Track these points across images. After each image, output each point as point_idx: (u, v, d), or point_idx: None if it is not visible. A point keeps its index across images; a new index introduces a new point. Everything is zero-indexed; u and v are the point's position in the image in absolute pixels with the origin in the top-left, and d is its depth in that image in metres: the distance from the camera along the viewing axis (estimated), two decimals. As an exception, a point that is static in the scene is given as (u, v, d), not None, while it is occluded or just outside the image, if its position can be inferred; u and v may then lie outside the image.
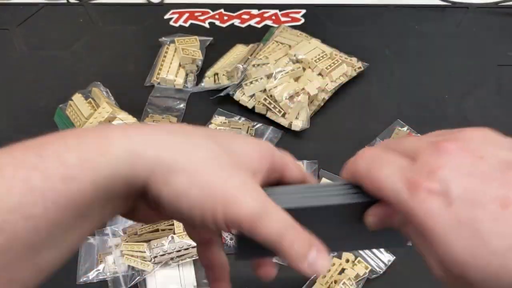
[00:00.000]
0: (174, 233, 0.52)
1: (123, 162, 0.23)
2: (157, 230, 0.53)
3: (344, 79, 0.69)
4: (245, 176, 0.26)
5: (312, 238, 0.25)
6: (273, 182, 0.30)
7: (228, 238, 0.55)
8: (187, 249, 0.52)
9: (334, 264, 0.53)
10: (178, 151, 0.25)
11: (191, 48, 0.73)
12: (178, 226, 0.53)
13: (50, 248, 0.23)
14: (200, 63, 0.73)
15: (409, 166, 0.24)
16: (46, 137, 0.24)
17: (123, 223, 0.57)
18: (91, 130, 0.25)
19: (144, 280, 0.52)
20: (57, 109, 0.67)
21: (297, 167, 0.32)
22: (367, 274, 0.52)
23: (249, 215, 0.24)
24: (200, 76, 0.73)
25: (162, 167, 0.24)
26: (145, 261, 0.52)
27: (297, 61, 0.68)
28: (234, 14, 0.83)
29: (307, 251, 0.25)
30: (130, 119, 0.63)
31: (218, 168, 0.25)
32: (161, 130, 0.26)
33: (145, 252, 0.52)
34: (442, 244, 0.22)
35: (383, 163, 0.25)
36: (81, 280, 0.53)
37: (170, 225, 0.53)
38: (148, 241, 0.53)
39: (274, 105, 0.65)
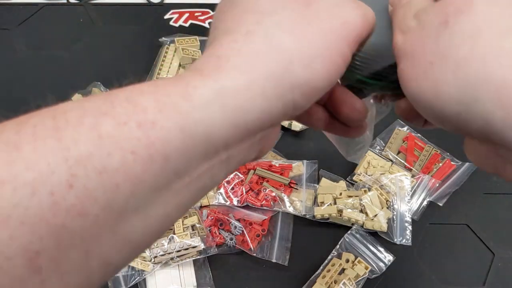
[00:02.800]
0: (174, 233, 0.52)
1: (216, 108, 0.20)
2: None
3: (344, 79, 0.69)
4: None
5: None
6: None
7: (228, 238, 0.55)
8: (187, 249, 0.52)
9: (334, 264, 0.53)
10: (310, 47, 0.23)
11: (191, 48, 0.73)
12: (178, 226, 0.53)
13: (138, 213, 0.19)
14: (199, 62, 0.73)
15: None
16: (112, 91, 0.20)
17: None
18: (167, 79, 0.21)
19: (144, 280, 0.52)
20: None
21: None
22: (367, 274, 0.52)
23: None
24: (200, 76, 0.73)
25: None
26: (145, 261, 0.52)
27: (297, 61, 0.68)
28: (234, 14, 0.83)
29: None
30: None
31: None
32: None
33: (145, 252, 0.52)
34: None
35: None
36: (81, 280, 0.53)
37: (170, 225, 0.53)
38: None
39: (274, 105, 0.65)
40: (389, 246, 0.55)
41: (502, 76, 0.20)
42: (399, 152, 0.63)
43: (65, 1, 0.86)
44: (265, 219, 0.56)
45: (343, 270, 0.53)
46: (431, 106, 0.23)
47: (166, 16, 0.82)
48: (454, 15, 0.22)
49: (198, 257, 0.52)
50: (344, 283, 0.51)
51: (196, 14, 0.83)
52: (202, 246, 0.52)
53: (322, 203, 0.57)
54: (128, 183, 0.18)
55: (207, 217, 0.56)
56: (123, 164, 0.18)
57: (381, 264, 0.53)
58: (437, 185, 0.59)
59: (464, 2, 0.22)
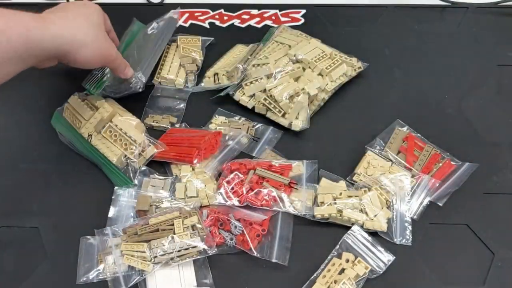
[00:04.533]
0: (174, 233, 0.53)
1: (51, 42, 0.51)
2: (157, 230, 0.53)
3: (344, 79, 0.69)
4: (107, 38, 0.59)
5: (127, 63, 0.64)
6: None
7: (228, 238, 0.55)
8: (187, 249, 0.52)
9: (334, 264, 0.53)
10: (82, 34, 0.54)
11: (192, 47, 0.73)
12: (178, 226, 0.53)
13: None
14: (200, 62, 0.73)
15: None
16: None
17: (123, 223, 0.57)
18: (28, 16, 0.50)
19: (144, 280, 0.52)
20: (55, 113, 0.67)
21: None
22: (367, 274, 0.52)
23: (115, 59, 0.60)
24: (200, 76, 0.73)
25: (75, 45, 0.53)
26: (145, 261, 0.52)
27: (297, 61, 0.68)
28: (234, 14, 0.83)
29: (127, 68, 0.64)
30: (134, 119, 0.63)
31: (101, 40, 0.57)
32: (71, 19, 0.53)
33: (145, 252, 0.52)
34: None
35: None
36: (81, 280, 0.53)
37: (170, 225, 0.53)
38: (148, 241, 0.53)
39: (274, 105, 0.65)
40: (389, 246, 0.55)
41: None
42: (399, 152, 0.63)
43: (65, 1, 0.86)
44: (265, 219, 0.56)
45: (343, 270, 0.53)
46: None
47: (166, 16, 0.82)
48: None
49: (198, 257, 0.52)
50: (344, 283, 0.51)
51: (196, 14, 0.83)
52: (202, 246, 0.52)
53: (322, 203, 0.57)
54: None
55: (207, 217, 0.56)
56: None
57: (381, 264, 0.53)
58: (437, 185, 0.59)
59: None
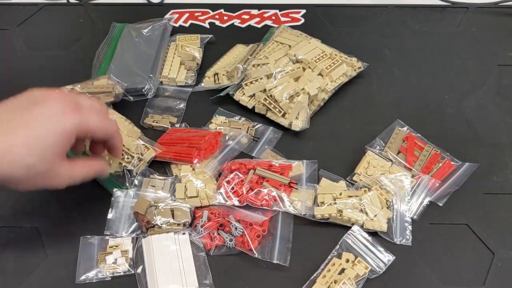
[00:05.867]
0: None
1: None
2: None
3: (344, 79, 0.69)
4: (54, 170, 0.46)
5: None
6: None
7: (227, 239, 0.55)
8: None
9: (334, 264, 0.53)
10: (9, 174, 0.44)
11: (191, 45, 0.74)
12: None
13: None
14: (199, 59, 0.73)
15: None
16: None
17: (123, 223, 0.57)
18: None
19: (146, 281, 0.52)
20: None
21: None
22: (367, 274, 0.52)
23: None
24: (200, 75, 0.73)
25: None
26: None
27: (297, 61, 0.68)
28: (234, 14, 0.83)
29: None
30: (127, 125, 0.63)
31: (40, 177, 0.46)
32: (10, 143, 0.44)
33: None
34: None
35: None
36: (80, 279, 0.53)
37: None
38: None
39: (274, 105, 0.65)
40: (389, 246, 0.55)
41: None
42: (399, 152, 0.63)
43: (65, 1, 0.86)
44: (265, 220, 0.56)
45: (343, 270, 0.53)
46: None
47: (166, 16, 0.82)
48: None
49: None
50: (344, 283, 0.51)
51: (196, 14, 0.83)
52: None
53: (322, 203, 0.57)
54: None
55: (208, 220, 0.56)
56: None
57: (381, 264, 0.53)
58: (437, 185, 0.59)
59: None
